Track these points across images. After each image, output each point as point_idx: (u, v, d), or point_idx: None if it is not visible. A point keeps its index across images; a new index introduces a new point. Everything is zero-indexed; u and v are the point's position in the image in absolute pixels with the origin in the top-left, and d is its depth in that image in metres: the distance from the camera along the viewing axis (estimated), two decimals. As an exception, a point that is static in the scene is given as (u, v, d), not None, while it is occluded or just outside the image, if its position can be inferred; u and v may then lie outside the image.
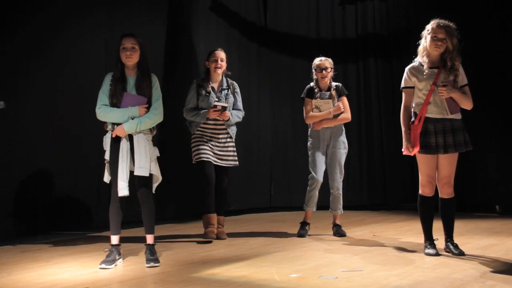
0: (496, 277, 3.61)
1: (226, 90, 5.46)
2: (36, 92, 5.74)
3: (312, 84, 5.61)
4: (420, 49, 4.37)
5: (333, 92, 5.51)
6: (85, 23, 6.14)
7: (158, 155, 4.43)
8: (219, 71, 5.43)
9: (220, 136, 5.39)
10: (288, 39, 8.10)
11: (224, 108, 5.24)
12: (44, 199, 5.78)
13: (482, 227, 5.75)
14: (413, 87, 4.36)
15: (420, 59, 4.37)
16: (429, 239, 4.38)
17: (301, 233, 5.42)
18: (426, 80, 4.29)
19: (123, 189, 4.20)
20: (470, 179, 6.86)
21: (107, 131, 4.36)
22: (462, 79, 4.34)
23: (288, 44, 8.09)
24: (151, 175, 4.34)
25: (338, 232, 5.43)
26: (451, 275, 3.67)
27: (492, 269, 3.83)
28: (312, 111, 5.49)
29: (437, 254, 4.27)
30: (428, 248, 4.33)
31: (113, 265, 4.16)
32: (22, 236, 5.50)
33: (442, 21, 4.28)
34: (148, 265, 4.18)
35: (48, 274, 4.01)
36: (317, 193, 5.46)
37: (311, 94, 5.56)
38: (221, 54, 5.46)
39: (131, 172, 4.29)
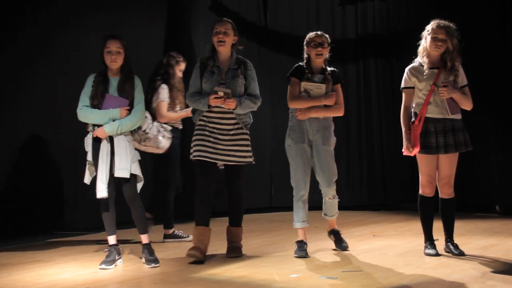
0: (496, 277, 3.61)
1: (235, 70, 4.47)
2: (36, 92, 5.74)
3: (302, 63, 4.62)
4: (420, 49, 4.37)
5: (328, 77, 4.52)
6: (85, 23, 6.14)
7: (139, 158, 4.36)
8: (223, 46, 4.40)
9: (228, 126, 4.40)
10: (288, 39, 8.09)
11: (227, 95, 4.31)
12: (44, 199, 5.78)
13: (482, 227, 5.74)
14: (413, 87, 4.36)
15: (420, 59, 4.36)
16: (429, 239, 4.37)
17: (301, 255, 4.40)
18: (426, 80, 4.28)
19: (102, 191, 4.17)
20: (470, 179, 6.85)
21: (88, 132, 4.30)
22: (462, 79, 4.34)
23: (288, 44, 8.07)
24: (135, 176, 4.28)
25: (340, 244, 4.61)
26: (451, 275, 3.67)
27: (492, 269, 3.83)
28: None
29: (437, 254, 4.27)
30: (428, 248, 4.33)
31: (113, 265, 4.16)
32: (22, 236, 5.50)
33: (442, 22, 4.28)
34: (149, 266, 4.17)
35: (48, 274, 4.01)
36: (306, 204, 4.53)
37: (299, 74, 4.54)
38: (225, 25, 4.42)
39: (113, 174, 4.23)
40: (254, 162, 4.55)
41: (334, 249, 4.67)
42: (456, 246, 4.33)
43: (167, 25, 7.00)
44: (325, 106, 4.46)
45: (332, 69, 4.62)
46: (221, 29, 4.39)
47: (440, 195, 4.39)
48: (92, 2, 6.25)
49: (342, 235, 4.72)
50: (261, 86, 7.84)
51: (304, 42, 4.61)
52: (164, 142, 4.86)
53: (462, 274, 3.69)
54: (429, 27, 4.30)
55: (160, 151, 4.92)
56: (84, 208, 6.08)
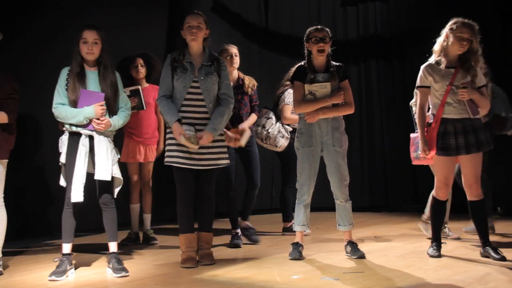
0: (498, 278, 3.60)
1: (208, 67, 4.20)
2: (36, 92, 5.74)
3: (303, 62, 4.44)
4: (437, 48, 4.18)
5: (334, 73, 4.32)
6: (85, 23, 6.13)
7: (119, 156, 4.13)
8: (196, 41, 4.15)
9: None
10: (290, 41, 8.10)
11: (194, 140, 4.02)
12: (45, 199, 5.77)
13: (484, 229, 5.73)
14: (429, 87, 4.19)
15: (437, 58, 4.18)
16: (437, 240, 4.32)
17: (295, 256, 4.31)
18: (442, 80, 4.13)
19: (78, 195, 3.90)
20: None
21: (63, 132, 4.04)
22: (480, 79, 4.17)
23: (290, 46, 8.07)
24: (112, 178, 4.03)
25: (355, 252, 4.33)
26: (452, 276, 3.66)
27: (494, 270, 3.82)
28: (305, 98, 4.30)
29: (439, 256, 4.24)
30: (433, 249, 4.28)
31: (63, 277, 3.85)
32: (24, 237, 5.50)
33: (466, 20, 4.13)
34: (119, 275, 3.88)
35: (49, 276, 4.01)
36: (308, 208, 4.44)
37: (302, 76, 4.34)
38: (198, 19, 4.17)
39: (89, 176, 3.97)
40: (228, 162, 4.35)
41: (335, 245, 4.66)
42: (495, 250, 4.09)
43: (167, 25, 7.01)
44: (334, 104, 4.30)
45: (337, 64, 4.41)
46: (194, 23, 4.14)
47: (468, 198, 4.20)
48: (93, 2, 6.25)
49: (359, 246, 4.42)
50: (262, 87, 7.93)
51: (304, 37, 4.39)
52: (282, 142, 5.40)
53: (464, 275, 3.68)
54: (452, 25, 4.11)
55: (279, 150, 5.47)
56: (84, 209, 6.07)
